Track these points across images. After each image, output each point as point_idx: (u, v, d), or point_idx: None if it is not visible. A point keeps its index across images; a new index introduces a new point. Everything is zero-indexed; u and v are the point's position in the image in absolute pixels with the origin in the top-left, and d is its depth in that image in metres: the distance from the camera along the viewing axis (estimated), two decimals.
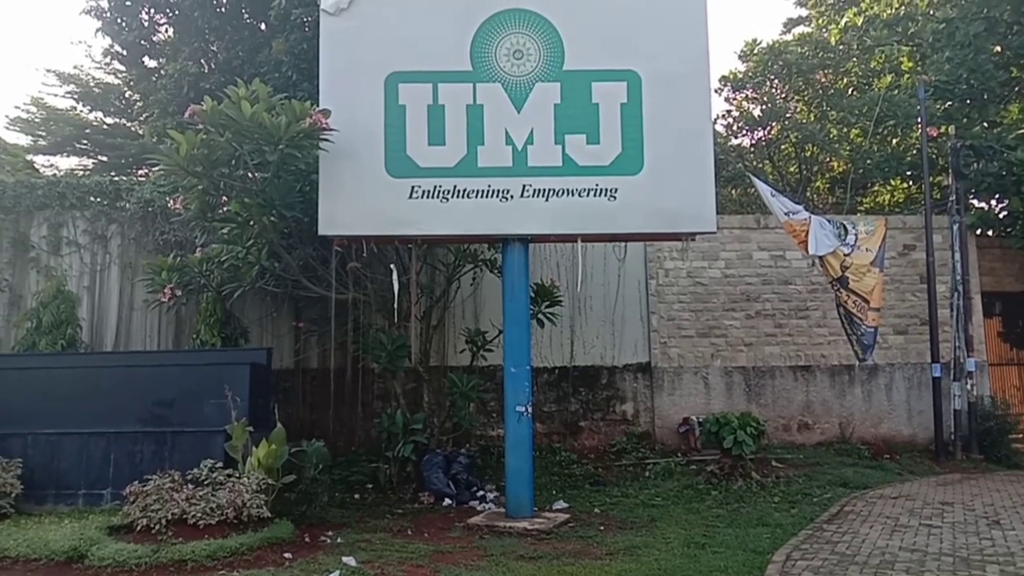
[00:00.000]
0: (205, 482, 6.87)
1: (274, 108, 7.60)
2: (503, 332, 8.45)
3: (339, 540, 6.99)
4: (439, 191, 8.04)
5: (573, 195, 8.00)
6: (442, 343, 11.02)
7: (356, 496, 9.10)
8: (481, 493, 9.09)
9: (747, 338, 11.59)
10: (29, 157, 21.12)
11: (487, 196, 8.03)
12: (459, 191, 8.04)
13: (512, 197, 8.03)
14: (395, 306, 8.63)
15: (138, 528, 6.37)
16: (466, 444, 10.22)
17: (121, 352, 10.58)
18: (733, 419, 9.30)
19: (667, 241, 10.28)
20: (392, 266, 8.64)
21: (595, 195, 8.00)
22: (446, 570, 6.14)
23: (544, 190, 8.01)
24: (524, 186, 8.03)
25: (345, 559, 6.24)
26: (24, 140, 21.79)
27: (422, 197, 8.03)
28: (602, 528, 7.62)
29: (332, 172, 8.02)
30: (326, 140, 7.78)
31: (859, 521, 7.64)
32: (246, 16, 12.84)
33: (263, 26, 12.65)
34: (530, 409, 8.06)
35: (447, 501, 8.88)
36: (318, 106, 7.91)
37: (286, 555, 6.36)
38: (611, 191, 8.00)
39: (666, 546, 6.83)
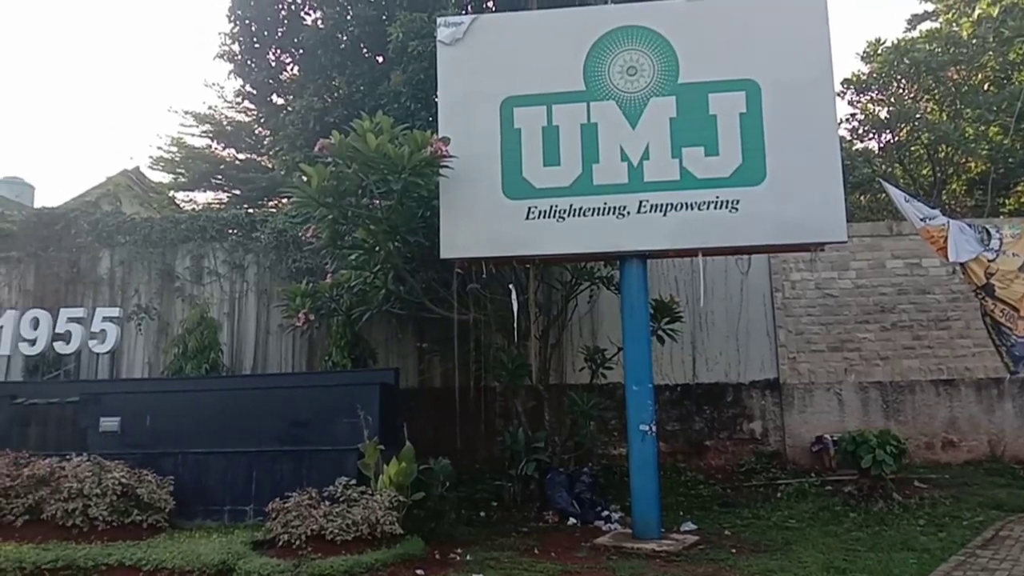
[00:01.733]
0: (340, 499, 7.14)
1: (396, 138, 7.90)
2: (623, 349, 8.39)
3: (468, 557, 7.09)
4: (555, 211, 8.11)
5: (692, 208, 7.88)
6: (561, 361, 11.04)
7: (481, 514, 9.22)
8: (606, 513, 9.01)
9: (883, 351, 10.99)
10: (171, 193, 22.78)
11: (603, 213, 8.04)
12: (575, 210, 8.08)
13: (629, 213, 7.99)
14: (514, 325, 8.75)
15: (280, 543, 6.68)
16: (588, 463, 10.15)
17: (260, 375, 11.16)
18: (871, 437, 8.83)
19: (793, 252, 9.91)
20: (511, 286, 8.76)
21: (716, 208, 7.85)
22: None
23: (662, 205, 7.93)
24: (641, 202, 7.99)
25: None
26: (166, 178, 23.55)
27: (538, 217, 8.13)
28: (734, 551, 7.39)
29: (452, 197, 8.25)
30: (446, 167, 8.02)
31: (1019, 547, 7.07)
32: (365, 51, 13.41)
33: (381, 59, 13.18)
34: (654, 428, 7.94)
35: (571, 520, 8.85)
36: (437, 134, 8.16)
37: (418, 572, 6.52)
38: (732, 203, 7.83)
39: (803, 570, 6.56)
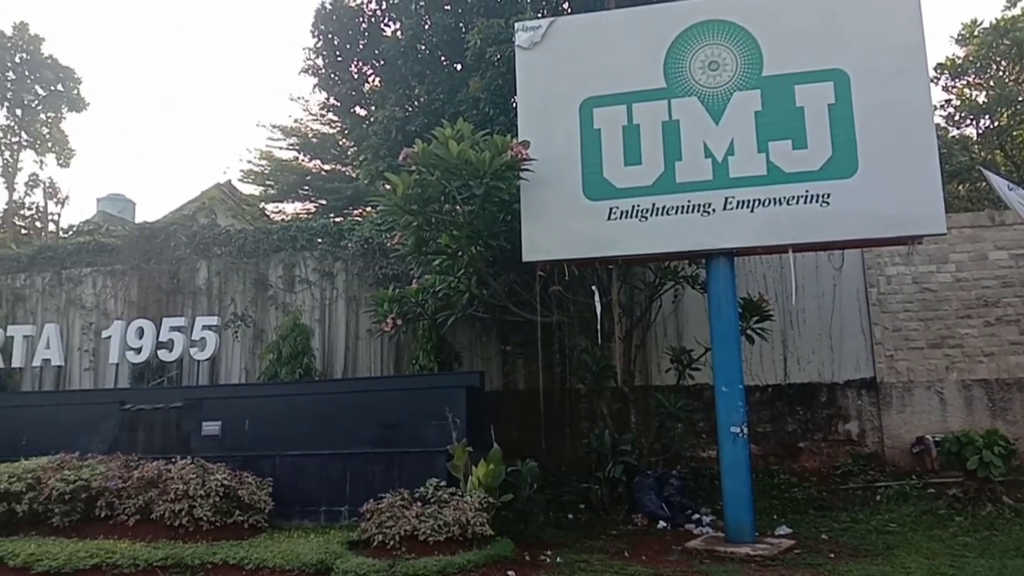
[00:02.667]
0: (431, 500, 7.26)
1: (477, 144, 8.00)
2: (710, 350, 8.25)
3: (558, 560, 7.09)
4: (637, 210, 8.05)
5: (781, 204, 7.68)
6: (645, 363, 10.92)
7: (569, 516, 9.20)
8: (696, 516, 8.86)
9: (987, 347, 10.43)
10: (261, 205, 23.67)
11: (687, 212, 7.92)
12: (658, 209, 8.00)
13: (714, 211, 7.86)
14: (598, 327, 8.71)
15: (374, 543, 6.84)
16: (676, 465, 10.01)
17: (351, 379, 11.46)
18: (977, 437, 8.40)
19: (889, 246, 9.53)
20: (593, 288, 8.74)
21: (805, 202, 7.63)
22: None
23: (748, 201, 7.76)
24: (727, 198, 7.84)
25: None
26: (256, 190, 24.48)
27: (620, 218, 8.08)
28: (832, 555, 7.15)
29: (533, 200, 8.29)
30: (527, 170, 8.07)
31: None
32: (443, 59, 13.62)
33: (459, 67, 13.36)
34: (745, 430, 7.77)
35: (661, 523, 8.74)
36: (516, 138, 8.22)
37: (509, 573, 6.56)
38: (823, 197, 7.59)
39: None
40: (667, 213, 7.95)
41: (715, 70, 8.07)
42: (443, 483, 7.53)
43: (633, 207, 8.02)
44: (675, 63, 8.17)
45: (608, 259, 8.53)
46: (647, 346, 10.88)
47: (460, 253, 8.92)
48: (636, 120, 8.20)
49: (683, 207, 7.92)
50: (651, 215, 7.98)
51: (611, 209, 8.08)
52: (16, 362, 11.04)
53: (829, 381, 10.66)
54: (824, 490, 9.81)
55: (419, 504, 7.20)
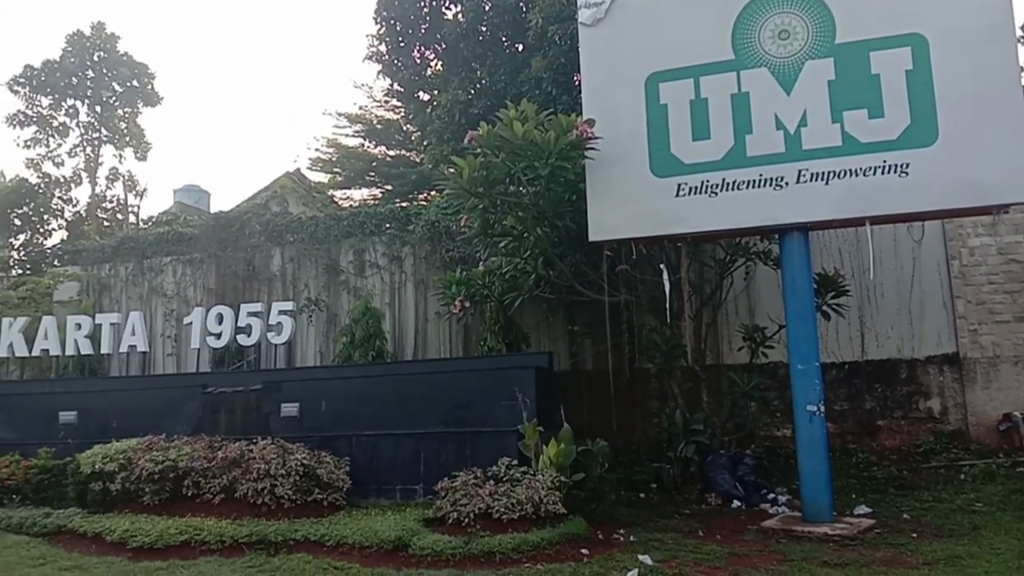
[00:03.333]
0: (503, 479, 7.35)
1: (542, 124, 7.98)
2: (785, 327, 8.07)
3: (632, 538, 7.10)
4: (707, 186, 7.91)
5: (857, 175, 7.43)
6: (717, 341, 10.77)
7: (641, 495, 9.18)
8: (772, 496, 8.73)
9: None
10: (329, 192, 24.12)
11: (759, 186, 7.74)
12: (728, 184, 7.84)
13: (787, 184, 7.66)
14: (667, 306, 8.62)
15: (449, 521, 6.96)
16: (750, 445, 9.87)
17: (422, 360, 11.65)
18: None
19: (972, 216, 9.13)
20: (662, 266, 8.63)
21: (883, 172, 7.36)
22: (745, 573, 5.99)
23: (823, 173, 7.53)
24: (800, 171, 7.62)
25: (641, 557, 6.33)
26: (324, 177, 24.95)
27: (689, 194, 7.95)
28: (914, 535, 6.96)
29: (598, 179, 8.23)
30: (592, 149, 8.01)
31: None
32: (504, 40, 13.60)
33: (521, 47, 13.32)
34: (822, 408, 7.59)
35: (735, 503, 8.64)
36: (580, 117, 8.16)
37: (583, 551, 6.59)
38: (901, 167, 7.31)
39: (996, 557, 6.07)
40: (738, 188, 7.78)
41: (785, 39, 7.83)
42: (514, 462, 7.60)
43: (702, 183, 7.89)
44: (743, 34, 7.96)
45: (677, 237, 8.41)
46: (718, 324, 10.72)
47: (526, 234, 8.94)
48: (704, 94, 8.04)
49: (754, 181, 7.74)
50: (721, 190, 7.83)
51: (679, 185, 7.96)
52: (104, 348, 11.55)
53: (909, 357, 10.31)
54: (904, 469, 9.53)
55: (491, 483, 7.29)
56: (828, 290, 9.09)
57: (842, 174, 7.46)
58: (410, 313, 12.28)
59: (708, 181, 7.88)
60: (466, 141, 8.24)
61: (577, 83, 11.11)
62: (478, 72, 13.64)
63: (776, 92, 7.81)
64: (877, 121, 7.44)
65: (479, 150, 8.15)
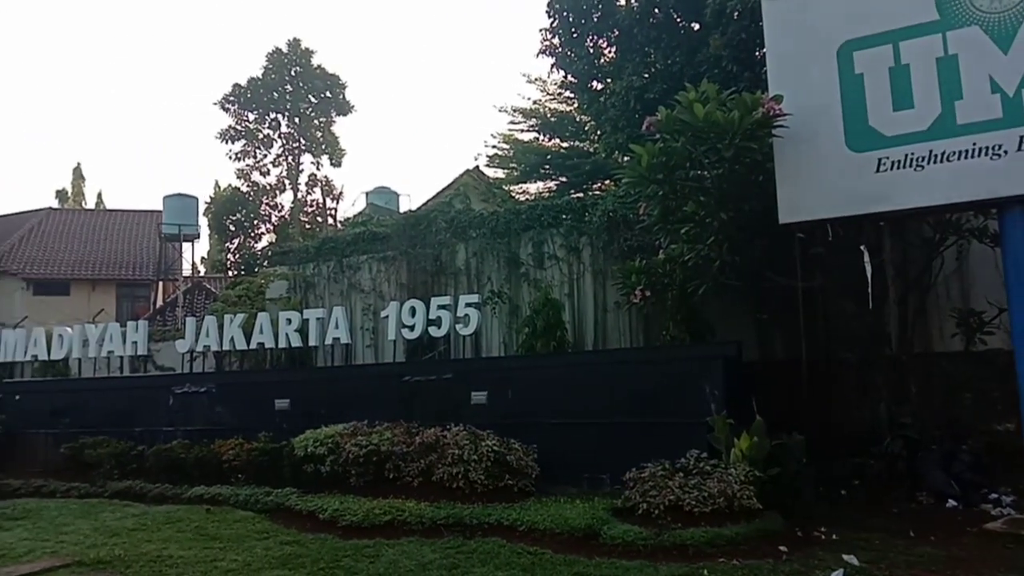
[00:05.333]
0: (693, 471, 7.20)
1: (724, 105, 7.71)
2: (1007, 311, 7.29)
3: (834, 537, 6.72)
4: (911, 159, 7.30)
5: None
6: (925, 328, 9.88)
7: (841, 492, 8.64)
8: (994, 496, 7.92)
9: None
10: (506, 187, 24.71)
11: (972, 156, 7.05)
12: (936, 155, 7.20)
13: (1006, 152, 6.92)
14: (869, 290, 8.04)
15: (639, 512, 6.92)
16: (966, 440, 8.99)
17: (605, 350, 11.64)
18: None
19: None
20: (862, 248, 8.06)
21: None
22: None
23: None
24: (1021, 138, 6.84)
25: (846, 557, 5.98)
26: (500, 173, 25.58)
27: (891, 169, 7.38)
28: None
29: (788, 157, 7.83)
30: (780, 126, 7.65)
31: None
32: (679, 21, 13.27)
33: (697, 27, 12.94)
34: None
35: (950, 502, 7.94)
36: (766, 93, 7.79)
37: (780, 548, 6.33)
38: None
39: None
40: (947, 159, 7.12)
41: None
42: (703, 455, 7.43)
43: (906, 156, 7.28)
44: None
45: (878, 215, 7.82)
46: (927, 309, 9.82)
47: (708, 219, 8.66)
48: (904, 60, 7.43)
49: (967, 151, 7.05)
50: (928, 163, 7.19)
51: (880, 160, 7.40)
52: (312, 341, 12.53)
53: None
54: None
55: (681, 475, 7.16)
56: None
57: None
58: (589, 303, 12.30)
59: (913, 153, 7.27)
60: (644, 128, 8.11)
61: (759, 58, 10.63)
62: (652, 56, 13.39)
63: (990, 51, 7.07)
64: None
65: (657, 136, 8.00)
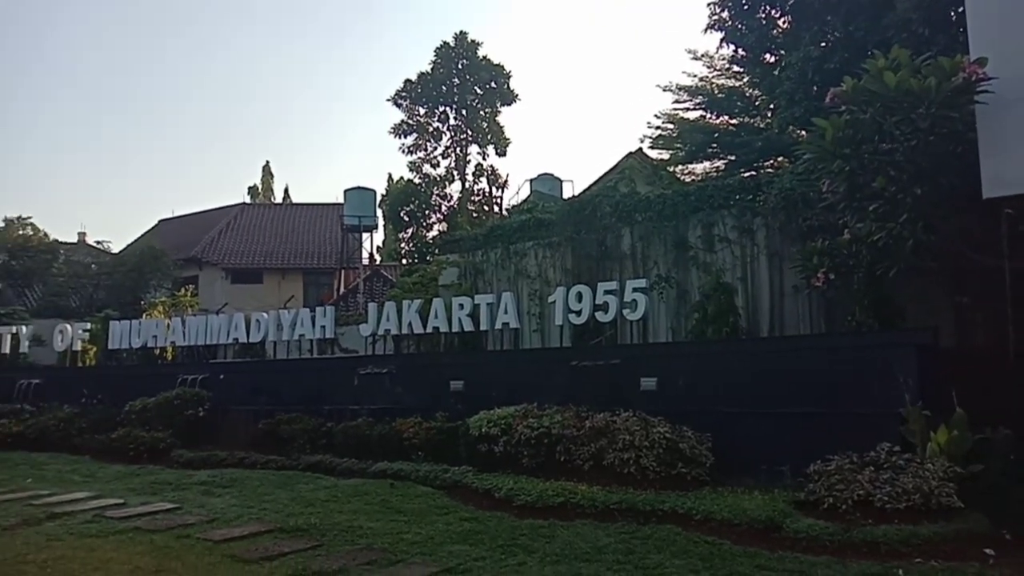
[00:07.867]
0: (884, 465, 6.77)
1: (918, 71, 7.14)
2: None
3: None
4: None
5: None
6: None
7: None
8: None
9: None
10: (669, 169, 24.14)
11: None
12: None
13: None
14: None
15: (824, 506, 6.61)
16: None
17: (783, 337, 11.11)
18: None
19: None
20: None
21: None
22: None
23: None
24: None
25: None
26: (665, 154, 25.02)
27: None
28: None
29: (993, 126, 7.17)
30: (984, 91, 6.97)
31: None
32: None
33: None
34: None
35: None
36: (966, 57, 7.11)
37: (986, 551, 5.82)
38: None
39: None
40: None
41: None
42: (896, 448, 6.97)
43: None
44: None
45: None
46: None
47: (900, 196, 8.03)
48: None
49: None
50: None
51: None
52: (483, 325, 12.90)
53: None
54: None
55: (870, 469, 6.76)
56: None
57: None
58: (764, 287, 11.79)
59: None
60: (827, 100, 7.66)
61: (956, 19, 9.72)
62: (831, 24, 12.59)
63: None
64: None
65: (843, 108, 7.52)
